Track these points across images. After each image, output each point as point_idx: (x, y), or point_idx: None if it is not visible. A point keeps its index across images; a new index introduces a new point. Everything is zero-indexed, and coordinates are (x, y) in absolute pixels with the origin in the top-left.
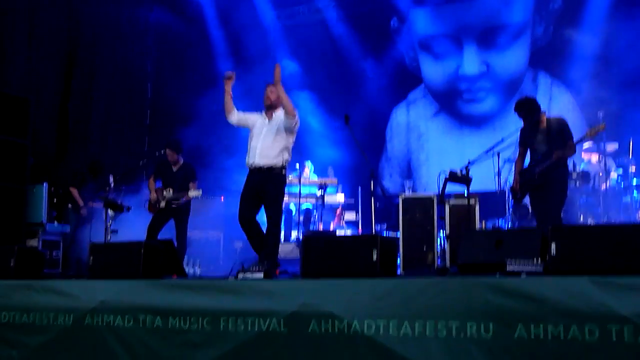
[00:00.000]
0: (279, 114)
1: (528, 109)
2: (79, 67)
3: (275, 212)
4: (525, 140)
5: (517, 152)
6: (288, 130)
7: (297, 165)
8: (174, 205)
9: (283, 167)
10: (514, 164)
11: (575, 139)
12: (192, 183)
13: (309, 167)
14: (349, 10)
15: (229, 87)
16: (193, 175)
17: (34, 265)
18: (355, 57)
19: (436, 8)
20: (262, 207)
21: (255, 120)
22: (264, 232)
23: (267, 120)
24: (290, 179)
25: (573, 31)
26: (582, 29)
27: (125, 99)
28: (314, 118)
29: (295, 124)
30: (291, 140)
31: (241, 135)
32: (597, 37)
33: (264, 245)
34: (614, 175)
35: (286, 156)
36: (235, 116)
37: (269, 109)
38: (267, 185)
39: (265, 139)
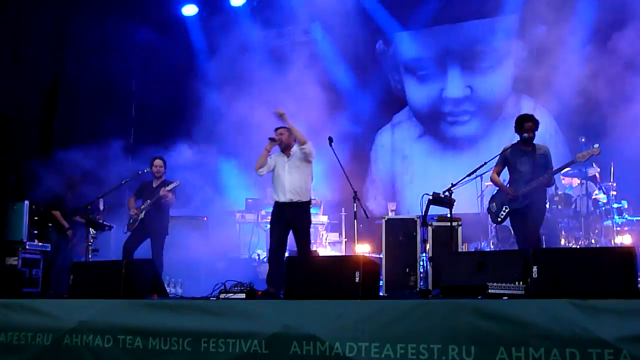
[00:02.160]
0: (295, 149)
1: (534, 123)
2: (63, 85)
3: (307, 241)
4: (508, 159)
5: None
6: (306, 160)
7: None
8: (152, 214)
9: (309, 202)
10: (490, 180)
11: (561, 163)
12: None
13: None
14: (335, 32)
15: (271, 147)
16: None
17: (12, 284)
18: (341, 79)
19: (421, 32)
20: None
21: (275, 161)
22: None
23: (286, 158)
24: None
25: (556, 56)
26: (565, 54)
27: (109, 117)
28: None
29: (310, 150)
30: (311, 169)
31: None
32: (580, 62)
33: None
34: (595, 198)
35: (310, 190)
36: (265, 170)
37: (284, 149)
38: (299, 218)
39: (291, 175)
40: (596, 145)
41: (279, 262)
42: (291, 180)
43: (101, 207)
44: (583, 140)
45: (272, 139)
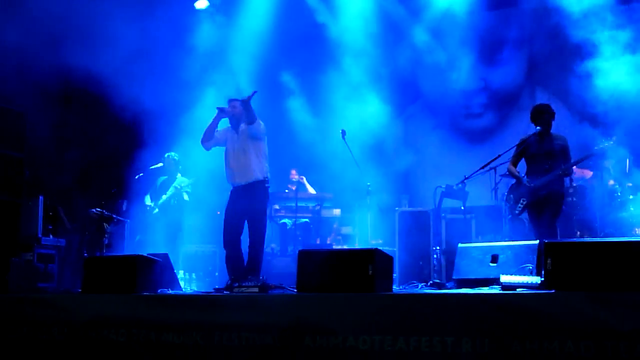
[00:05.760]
0: (244, 126)
1: (551, 113)
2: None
3: (259, 228)
4: (525, 151)
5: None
6: (256, 137)
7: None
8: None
9: (265, 179)
10: (507, 171)
11: (575, 154)
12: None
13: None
14: (347, 23)
15: (219, 119)
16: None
17: (28, 279)
18: (353, 70)
19: (435, 23)
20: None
21: (225, 136)
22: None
23: (236, 135)
24: (287, 192)
25: (570, 47)
26: (580, 45)
27: (121, 111)
28: (309, 131)
29: (259, 128)
30: (263, 146)
31: None
32: (594, 53)
33: (248, 259)
34: (611, 190)
35: (265, 167)
36: (213, 144)
37: (235, 124)
38: (251, 201)
39: (239, 157)
40: (614, 137)
41: (235, 253)
42: (239, 164)
43: (124, 208)
44: (598, 133)
45: (221, 110)
